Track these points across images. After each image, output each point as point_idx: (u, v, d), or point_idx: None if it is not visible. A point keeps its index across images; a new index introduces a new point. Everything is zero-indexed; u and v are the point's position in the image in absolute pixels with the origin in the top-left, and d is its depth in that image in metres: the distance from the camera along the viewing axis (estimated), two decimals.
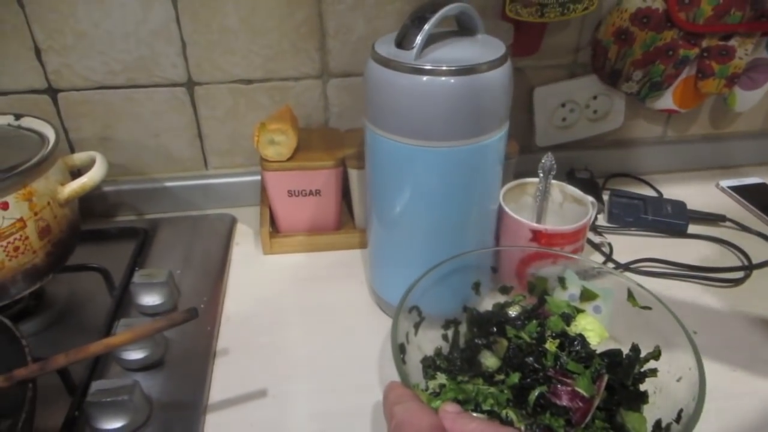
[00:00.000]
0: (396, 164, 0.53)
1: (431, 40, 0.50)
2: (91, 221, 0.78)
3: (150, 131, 0.78)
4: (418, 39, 0.48)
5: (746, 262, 0.72)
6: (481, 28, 0.54)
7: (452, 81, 0.47)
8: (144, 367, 0.55)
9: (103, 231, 0.76)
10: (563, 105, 0.82)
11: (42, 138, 0.61)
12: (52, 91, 0.73)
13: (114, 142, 0.78)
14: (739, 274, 0.70)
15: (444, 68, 0.47)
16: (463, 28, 0.55)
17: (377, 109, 0.52)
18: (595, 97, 0.82)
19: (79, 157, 0.66)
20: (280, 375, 0.57)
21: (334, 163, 0.69)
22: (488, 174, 0.55)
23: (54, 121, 0.74)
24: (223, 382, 0.56)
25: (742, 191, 0.87)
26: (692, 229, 0.78)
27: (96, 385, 0.49)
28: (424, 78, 0.47)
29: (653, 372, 0.49)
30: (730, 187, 0.88)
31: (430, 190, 0.53)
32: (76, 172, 0.64)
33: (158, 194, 0.81)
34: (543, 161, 0.64)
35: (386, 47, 0.51)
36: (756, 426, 0.52)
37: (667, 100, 0.82)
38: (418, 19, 0.49)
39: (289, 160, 0.69)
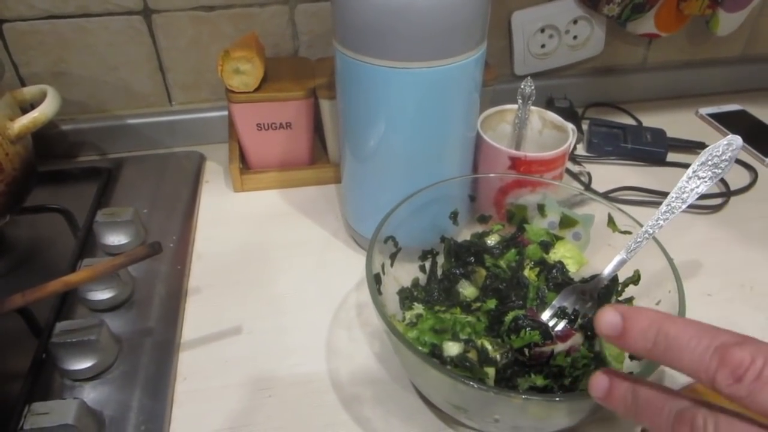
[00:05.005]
0: (369, 89, 0.50)
1: None
2: (51, 162, 0.74)
3: (107, 64, 0.73)
4: None
5: (725, 189, 0.72)
6: None
7: None
8: (111, 307, 0.53)
9: (64, 172, 0.73)
10: (542, 30, 0.79)
11: None
12: None
13: (69, 77, 0.73)
14: (718, 201, 0.70)
15: None
16: None
17: (347, 29, 0.48)
18: (575, 22, 0.79)
19: (29, 91, 0.62)
20: (255, 311, 0.56)
21: (304, 93, 0.66)
22: (465, 99, 0.53)
23: (1, 54, 0.69)
24: (196, 320, 0.55)
25: (721, 118, 0.85)
26: (672, 157, 0.77)
27: (61, 326, 0.47)
28: None
29: (629, 302, 0.49)
30: (709, 115, 0.86)
31: (404, 117, 0.51)
32: (28, 108, 0.60)
33: (121, 132, 0.77)
34: (522, 86, 0.61)
35: None
36: None
37: (648, 24, 0.80)
38: None
39: (256, 91, 0.65)
